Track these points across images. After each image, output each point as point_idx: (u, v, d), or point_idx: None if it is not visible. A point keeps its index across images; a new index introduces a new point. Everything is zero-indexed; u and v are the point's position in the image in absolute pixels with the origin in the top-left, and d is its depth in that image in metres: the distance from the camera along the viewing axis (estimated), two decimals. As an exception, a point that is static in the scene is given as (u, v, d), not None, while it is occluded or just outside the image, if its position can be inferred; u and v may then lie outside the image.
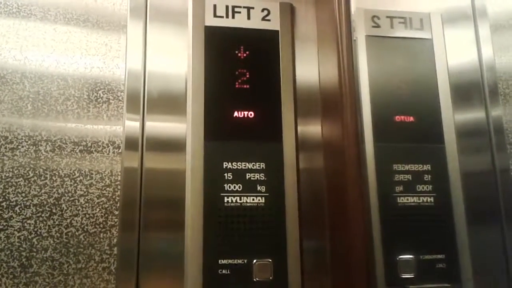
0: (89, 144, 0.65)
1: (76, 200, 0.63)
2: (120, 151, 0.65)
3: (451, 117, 0.67)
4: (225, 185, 0.63)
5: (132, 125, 0.65)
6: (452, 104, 0.67)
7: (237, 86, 0.67)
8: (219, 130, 0.65)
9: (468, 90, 0.72)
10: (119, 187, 0.64)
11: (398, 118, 0.65)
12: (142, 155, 0.65)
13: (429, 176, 0.64)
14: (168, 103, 0.67)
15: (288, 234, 0.63)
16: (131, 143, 0.65)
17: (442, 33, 0.70)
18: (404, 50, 0.68)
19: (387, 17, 0.69)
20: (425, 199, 0.63)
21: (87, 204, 0.63)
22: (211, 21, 0.68)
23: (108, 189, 0.64)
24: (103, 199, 0.64)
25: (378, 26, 0.68)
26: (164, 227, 0.63)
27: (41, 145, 0.64)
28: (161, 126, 0.66)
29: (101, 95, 0.67)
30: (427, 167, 0.65)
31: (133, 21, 0.69)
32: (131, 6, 0.70)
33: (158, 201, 0.64)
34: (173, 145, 0.65)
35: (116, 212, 0.63)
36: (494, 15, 0.78)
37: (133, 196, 0.63)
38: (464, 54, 0.73)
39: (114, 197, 0.64)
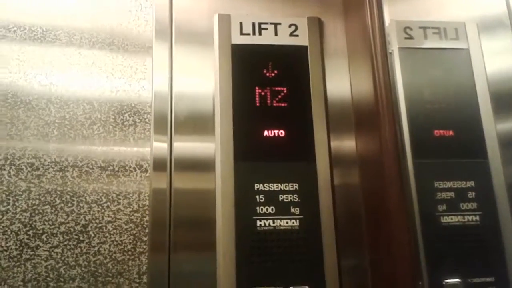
0: (116, 169, 0.63)
1: (104, 227, 0.61)
2: (147, 174, 0.63)
3: (493, 130, 0.63)
4: (257, 208, 0.60)
5: (160, 146, 0.64)
6: (493, 115, 0.63)
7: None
8: (249, 150, 0.62)
9: (508, 98, 0.68)
10: (147, 212, 0.62)
11: (437, 132, 0.62)
12: (171, 175, 0.63)
13: (473, 193, 0.60)
14: (196, 123, 0.65)
15: (325, 258, 0.59)
16: (159, 164, 0.63)
17: (479, 42, 0.67)
18: (439, 61, 0.65)
19: (420, 27, 0.66)
20: (470, 218, 0.59)
21: (115, 231, 0.61)
22: (237, 39, 0.67)
23: (136, 214, 0.62)
24: (131, 225, 0.61)
25: (411, 38, 0.66)
26: (195, 248, 0.61)
27: (67, 171, 0.63)
28: (189, 146, 0.64)
29: (127, 118, 0.66)
30: (470, 183, 0.60)
31: (158, 43, 0.68)
32: (156, 28, 0.69)
33: (187, 222, 0.61)
34: (202, 165, 0.63)
35: (145, 238, 0.61)
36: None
37: (163, 217, 0.61)
38: (502, 61, 0.69)
39: (142, 222, 0.62)
